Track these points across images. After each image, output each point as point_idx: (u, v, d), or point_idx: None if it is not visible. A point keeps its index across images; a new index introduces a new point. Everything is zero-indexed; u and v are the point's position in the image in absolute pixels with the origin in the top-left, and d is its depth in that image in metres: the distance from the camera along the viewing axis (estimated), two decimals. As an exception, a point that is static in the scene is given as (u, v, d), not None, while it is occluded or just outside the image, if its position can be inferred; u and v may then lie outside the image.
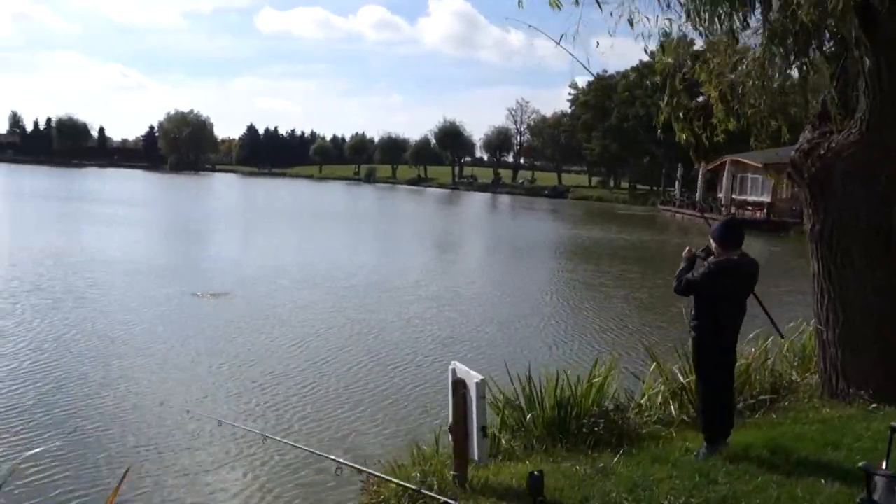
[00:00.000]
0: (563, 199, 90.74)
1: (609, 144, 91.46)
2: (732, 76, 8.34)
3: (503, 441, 6.46)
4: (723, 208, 51.24)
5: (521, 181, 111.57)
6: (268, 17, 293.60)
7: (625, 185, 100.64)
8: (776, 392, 7.95)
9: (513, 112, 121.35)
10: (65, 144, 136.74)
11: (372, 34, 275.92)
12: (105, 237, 28.48)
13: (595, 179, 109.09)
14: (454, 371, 5.16)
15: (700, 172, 52.44)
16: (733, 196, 52.44)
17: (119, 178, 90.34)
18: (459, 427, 5.08)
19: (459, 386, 5.04)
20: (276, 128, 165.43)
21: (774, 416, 7.10)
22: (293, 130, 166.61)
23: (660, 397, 7.41)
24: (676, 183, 65.54)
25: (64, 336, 12.80)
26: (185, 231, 34.12)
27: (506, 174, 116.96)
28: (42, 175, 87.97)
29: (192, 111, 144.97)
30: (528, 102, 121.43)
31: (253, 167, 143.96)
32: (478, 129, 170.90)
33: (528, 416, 6.57)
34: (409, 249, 30.13)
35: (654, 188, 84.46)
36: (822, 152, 7.24)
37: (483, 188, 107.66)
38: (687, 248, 6.27)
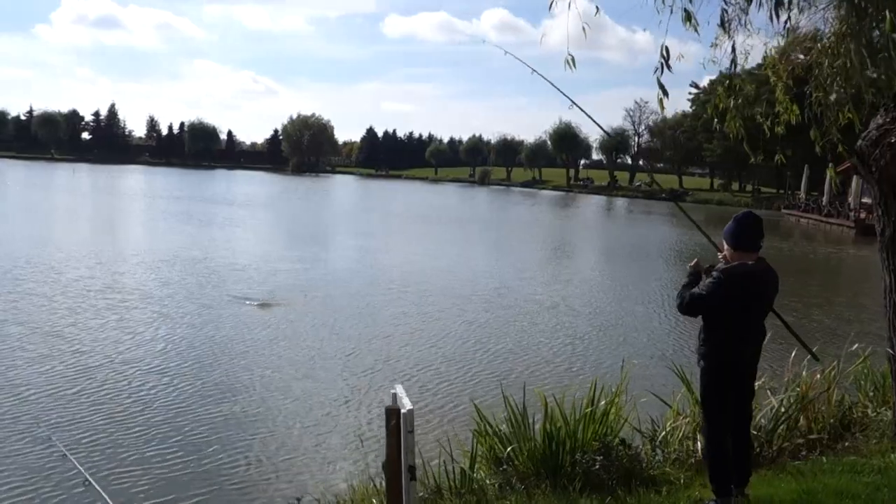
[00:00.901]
0: (682, 202, 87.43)
1: (732, 145, 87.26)
2: (803, 57, 7.10)
3: (479, 477, 5.48)
4: (851, 213, 47.60)
5: (638, 184, 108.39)
6: (393, 23, 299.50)
7: (749, 188, 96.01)
8: (846, 428, 6.62)
9: (630, 113, 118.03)
10: (196, 147, 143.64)
11: (494, 36, 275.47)
12: (259, 241, 29.05)
13: (717, 182, 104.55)
14: (394, 396, 4.28)
15: (827, 175, 48.70)
16: (863, 200, 48.52)
17: (246, 180, 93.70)
18: (393, 465, 4.21)
19: (392, 416, 4.16)
20: (394, 130, 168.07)
21: (825, 459, 5.80)
22: (411, 133, 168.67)
23: (683, 430, 6.09)
24: (802, 185, 61.70)
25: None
26: (317, 233, 34.47)
27: (622, 177, 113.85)
28: (176, 177, 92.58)
29: (313, 115, 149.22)
30: (647, 103, 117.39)
31: (371, 169, 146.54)
32: (594, 131, 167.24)
33: (509, 449, 5.51)
34: (523, 255, 29.12)
35: (780, 191, 79.94)
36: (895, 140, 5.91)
37: (598, 191, 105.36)
38: (695, 260, 5.19)
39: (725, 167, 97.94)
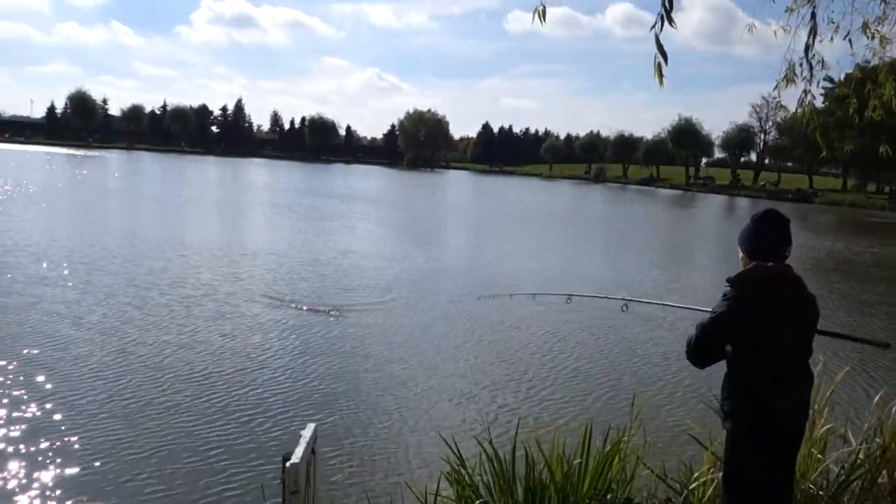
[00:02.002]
0: (808, 203, 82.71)
1: (869, 143, 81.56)
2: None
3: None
4: None
5: (762, 183, 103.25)
6: (516, 19, 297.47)
7: (887, 189, 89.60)
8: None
9: (757, 109, 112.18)
10: (315, 141, 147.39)
11: (618, 31, 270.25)
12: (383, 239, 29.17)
13: (850, 183, 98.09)
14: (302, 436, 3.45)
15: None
16: None
17: (362, 175, 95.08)
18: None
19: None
20: (510, 126, 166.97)
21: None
22: (527, 129, 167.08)
23: (715, 485, 4.63)
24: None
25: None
26: (442, 233, 34.37)
27: (746, 176, 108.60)
28: (295, 170, 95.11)
29: (429, 110, 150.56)
30: (775, 98, 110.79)
31: (485, 165, 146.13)
32: (717, 128, 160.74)
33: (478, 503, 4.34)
34: (632, 259, 27.80)
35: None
36: None
37: (719, 190, 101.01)
38: None
39: (861, 167, 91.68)
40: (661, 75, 3.86)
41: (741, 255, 3.92)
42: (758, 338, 3.61)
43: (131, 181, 55.78)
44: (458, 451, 4.53)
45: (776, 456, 3.68)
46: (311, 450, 3.21)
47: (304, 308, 14.27)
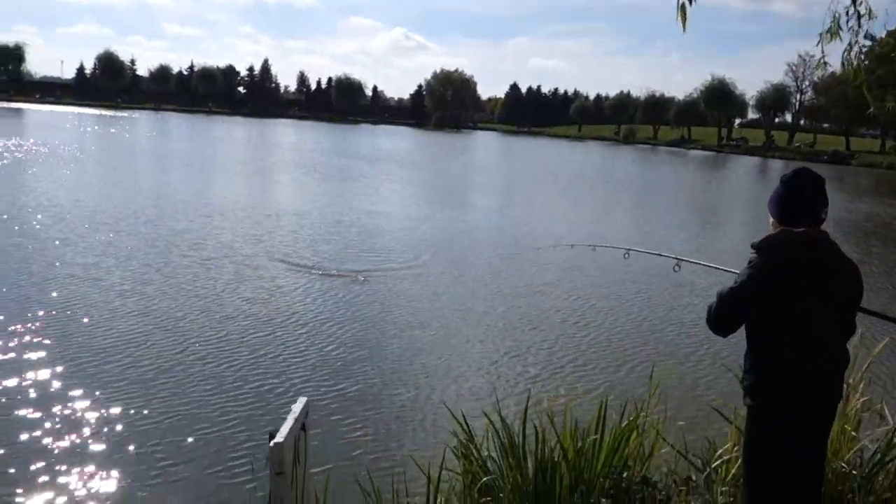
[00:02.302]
0: (845, 165, 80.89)
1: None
2: None
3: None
4: None
5: (797, 144, 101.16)
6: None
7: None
8: None
9: (793, 67, 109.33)
10: (342, 102, 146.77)
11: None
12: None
13: (889, 145, 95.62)
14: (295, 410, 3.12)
15: None
16: None
17: (388, 136, 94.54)
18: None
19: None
20: (538, 86, 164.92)
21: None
22: (556, 89, 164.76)
23: (739, 464, 4.11)
24: None
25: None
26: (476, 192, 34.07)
27: (780, 137, 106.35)
28: (322, 131, 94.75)
29: (456, 70, 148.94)
30: (812, 56, 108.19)
31: (512, 126, 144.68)
32: (751, 87, 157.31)
33: (484, 479, 4.09)
34: (662, 221, 27.30)
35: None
36: None
37: (752, 152, 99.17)
38: None
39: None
40: (683, 17, 3.52)
41: (771, 220, 3.55)
42: (785, 308, 3.26)
43: (158, 141, 55.87)
44: (467, 424, 4.29)
45: (802, 436, 3.35)
46: (302, 426, 2.96)
47: (326, 271, 14.04)
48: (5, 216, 17.63)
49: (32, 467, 6.11)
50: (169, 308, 10.87)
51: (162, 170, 34.05)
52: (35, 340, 9.02)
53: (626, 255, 5.40)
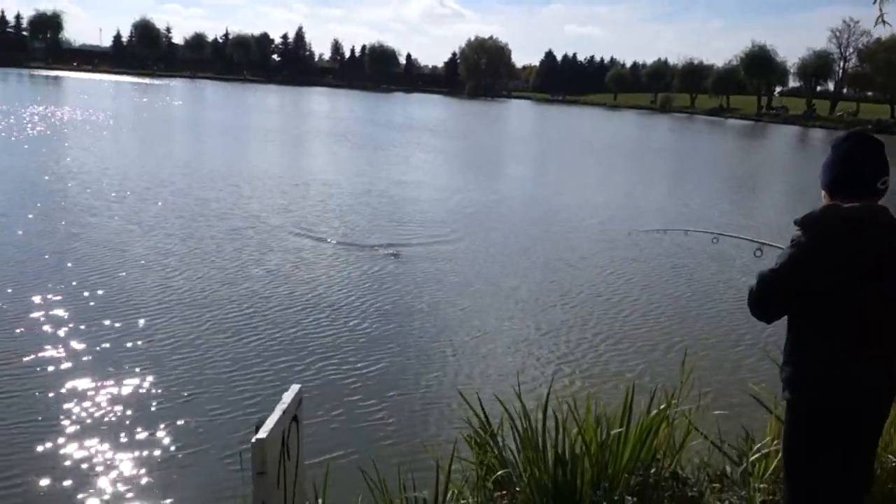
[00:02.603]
0: (890, 135, 78.69)
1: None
2: None
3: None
4: None
5: (839, 114, 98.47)
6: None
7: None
8: None
9: (837, 34, 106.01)
10: (376, 70, 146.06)
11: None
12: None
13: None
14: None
15: None
16: None
17: (422, 104, 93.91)
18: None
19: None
20: (574, 54, 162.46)
21: None
22: (592, 57, 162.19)
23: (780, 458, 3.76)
24: None
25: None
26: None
27: (822, 106, 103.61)
28: (355, 99, 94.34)
29: (491, 37, 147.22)
30: (857, 22, 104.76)
31: (547, 94, 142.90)
32: (792, 55, 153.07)
33: (499, 473, 3.78)
34: (696, 191, 26.65)
35: None
36: None
37: (792, 121, 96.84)
38: None
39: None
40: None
41: (823, 193, 3.09)
42: (830, 292, 2.85)
43: (192, 109, 56.04)
44: (484, 412, 3.99)
45: (848, 430, 2.97)
46: (293, 417, 2.68)
47: (353, 244, 13.76)
48: (32, 183, 17.65)
49: (38, 445, 5.98)
50: (189, 281, 10.69)
51: (194, 138, 34.07)
52: (51, 311, 8.91)
53: (715, 241, 4.87)
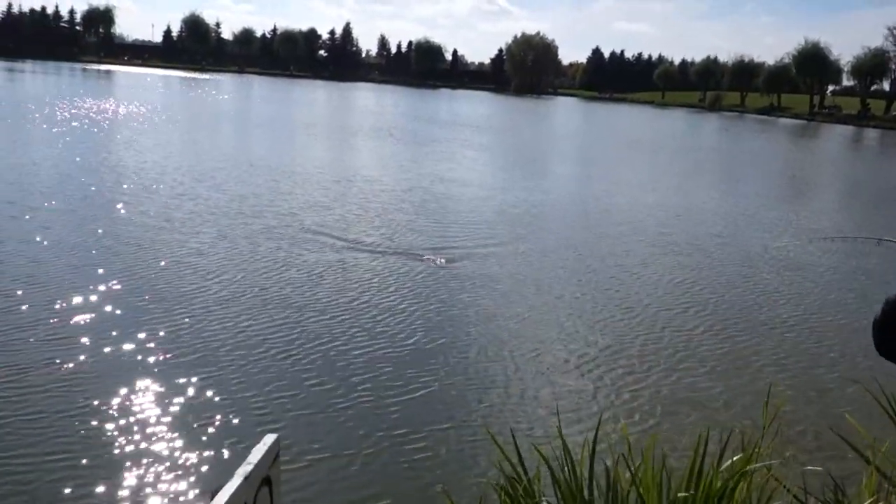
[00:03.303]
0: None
1: None
2: None
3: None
4: None
5: (894, 113, 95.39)
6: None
7: None
8: None
9: (894, 31, 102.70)
10: (422, 66, 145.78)
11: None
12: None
13: None
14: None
15: None
16: None
17: (470, 100, 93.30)
18: None
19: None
20: (622, 51, 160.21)
21: None
22: (640, 54, 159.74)
23: None
24: None
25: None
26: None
27: (876, 106, 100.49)
28: (405, 95, 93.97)
29: (538, 34, 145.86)
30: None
31: (594, 91, 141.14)
32: (847, 52, 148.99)
33: None
34: (749, 192, 25.74)
35: None
36: None
37: (846, 121, 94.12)
38: None
39: None
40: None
41: None
42: None
43: (239, 103, 56.20)
44: (519, 457, 3.41)
45: None
46: (265, 479, 2.14)
47: (392, 248, 13.08)
48: (66, 175, 17.53)
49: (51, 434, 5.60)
50: (220, 285, 10.26)
51: (238, 132, 33.97)
52: (74, 314, 8.59)
53: (878, 244, 4.19)
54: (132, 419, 6.26)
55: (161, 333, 8.11)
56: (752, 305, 10.98)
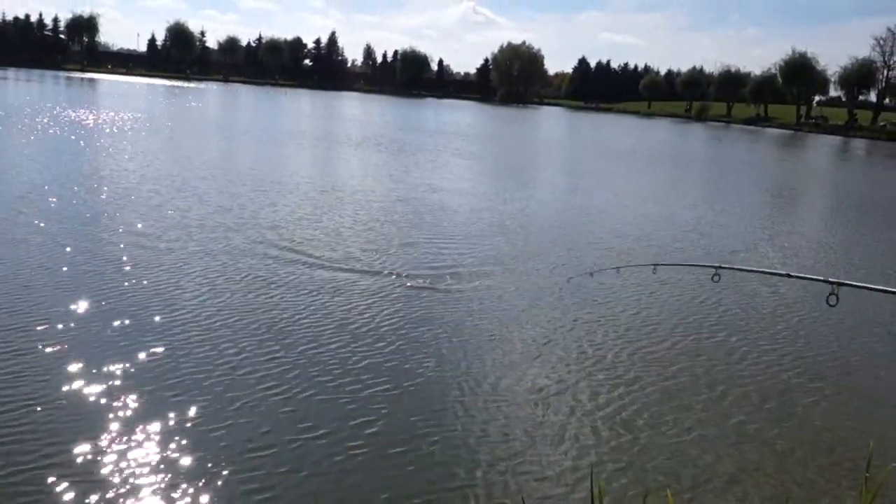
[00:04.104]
0: (936, 147, 76.21)
1: None
2: None
3: None
4: None
5: (882, 124, 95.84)
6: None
7: None
8: None
9: (881, 42, 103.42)
10: (407, 75, 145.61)
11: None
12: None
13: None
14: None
15: None
16: None
17: (455, 110, 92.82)
18: None
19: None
20: (608, 61, 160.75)
21: None
22: (626, 64, 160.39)
23: None
24: None
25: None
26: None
27: (864, 116, 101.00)
28: (391, 104, 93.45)
29: (524, 43, 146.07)
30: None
31: (580, 101, 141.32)
32: (834, 63, 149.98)
33: None
34: (732, 201, 25.23)
35: None
36: None
37: (832, 131, 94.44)
38: None
39: None
40: None
41: None
42: None
43: (222, 112, 55.43)
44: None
45: None
46: None
47: (376, 269, 11.99)
48: (41, 189, 16.73)
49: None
50: (190, 305, 9.43)
51: (221, 140, 33.16)
52: (31, 339, 7.84)
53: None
54: (102, 466, 5.52)
55: (129, 363, 7.37)
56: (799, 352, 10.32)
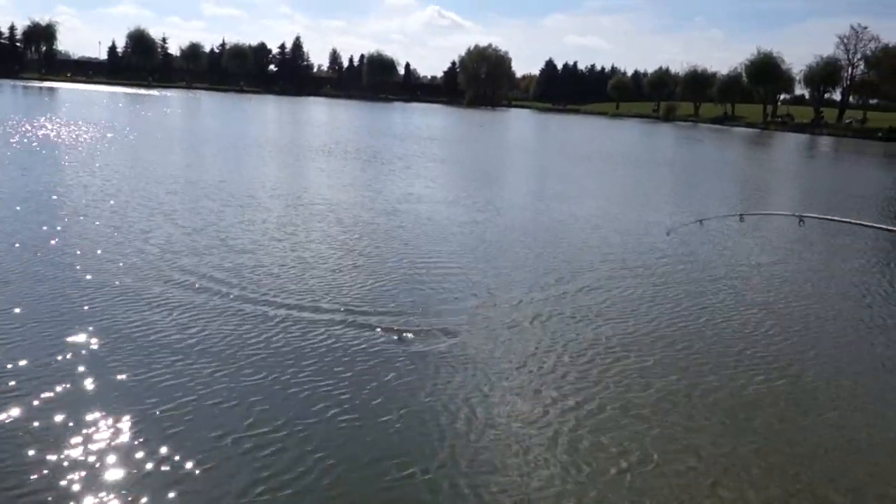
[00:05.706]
0: (900, 143, 77.02)
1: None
2: None
3: None
4: None
5: (847, 121, 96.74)
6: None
7: None
8: None
9: (844, 40, 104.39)
10: (374, 80, 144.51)
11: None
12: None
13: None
14: None
15: None
16: None
17: (423, 113, 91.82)
18: None
19: None
20: (574, 63, 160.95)
21: None
22: (592, 66, 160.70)
23: None
24: None
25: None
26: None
27: (829, 114, 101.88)
28: (355, 109, 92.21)
29: (490, 46, 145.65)
30: (865, 28, 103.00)
31: (548, 103, 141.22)
32: (799, 62, 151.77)
33: None
34: (701, 200, 24.60)
35: None
36: None
37: (799, 129, 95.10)
38: None
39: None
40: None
41: None
42: None
43: (184, 120, 53.96)
44: None
45: None
46: None
47: (345, 307, 10.79)
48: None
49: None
50: (123, 354, 8.36)
51: (181, 150, 31.89)
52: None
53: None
54: None
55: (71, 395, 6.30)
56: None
